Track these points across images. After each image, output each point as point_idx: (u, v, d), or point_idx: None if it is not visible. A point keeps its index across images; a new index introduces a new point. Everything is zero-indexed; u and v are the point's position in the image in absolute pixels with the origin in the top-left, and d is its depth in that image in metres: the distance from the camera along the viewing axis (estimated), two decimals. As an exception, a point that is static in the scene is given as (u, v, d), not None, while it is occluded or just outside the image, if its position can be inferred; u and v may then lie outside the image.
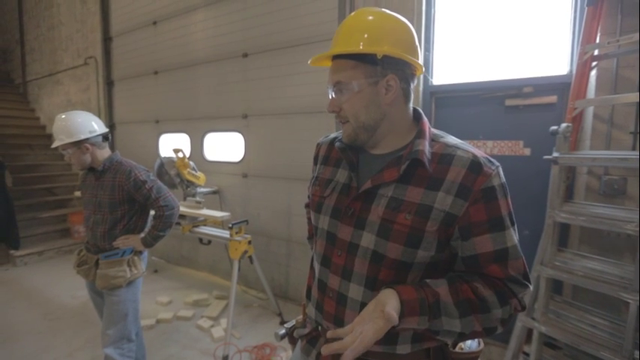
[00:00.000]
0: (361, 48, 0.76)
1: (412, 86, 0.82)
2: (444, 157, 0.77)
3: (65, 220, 5.00)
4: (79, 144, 1.74)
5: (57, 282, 3.65)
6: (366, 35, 0.77)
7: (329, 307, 0.84)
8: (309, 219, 1.09)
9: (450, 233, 0.75)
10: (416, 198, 0.75)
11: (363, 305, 0.78)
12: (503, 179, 0.76)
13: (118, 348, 1.76)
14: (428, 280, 0.75)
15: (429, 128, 0.84)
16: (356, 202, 0.81)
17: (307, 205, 1.10)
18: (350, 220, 0.81)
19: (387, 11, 0.81)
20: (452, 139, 0.82)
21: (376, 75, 0.77)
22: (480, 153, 0.77)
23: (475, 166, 0.74)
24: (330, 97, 0.83)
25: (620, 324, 1.70)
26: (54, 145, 1.76)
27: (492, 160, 0.77)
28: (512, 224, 0.75)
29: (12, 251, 4.21)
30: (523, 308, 0.76)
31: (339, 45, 0.80)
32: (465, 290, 0.72)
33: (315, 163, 1.01)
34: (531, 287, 0.77)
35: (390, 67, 0.77)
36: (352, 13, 0.83)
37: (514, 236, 0.74)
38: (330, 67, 0.84)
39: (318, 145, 1.02)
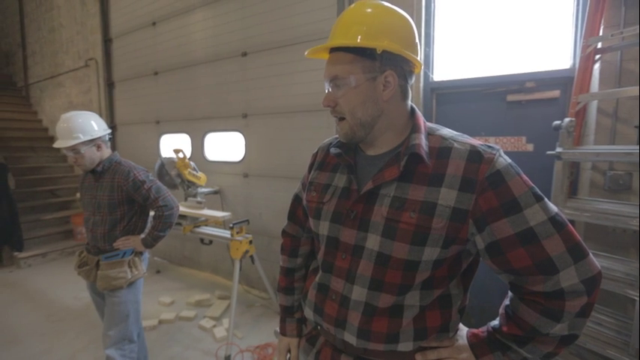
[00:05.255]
0: (359, 41, 0.73)
1: (410, 83, 0.80)
2: (442, 151, 0.74)
3: (68, 221, 5.02)
4: (94, 141, 1.75)
5: (60, 283, 3.67)
6: (365, 28, 0.74)
7: (330, 310, 0.82)
8: (291, 212, 1.06)
9: (464, 230, 0.71)
10: (419, 196, 0.72)
11: (366, 305, 0.77)
12: (508, 159, 0.71)
13: (120, 349, 1.76)
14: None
15: (424, 122, 0.82)
16: (358, 204, 0.79)
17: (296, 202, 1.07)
18: (353, 222, 0.79)
19: (388, 4, 0.78)
20: (447, 132, 0.80)
21: (374, 70, 0.75)
22: (477, 142, 0.74)
23: (474, 155, 0.71)
24: (327, 91, 0.80)
25: (627, 321, 1.67)
26: (70, 144, 1.68)
27: (492, 145, 0.73)
28: (537, 201, 0.67)
29: (16, 253, 4.23)
30: (590, 296, 0.67)
31: (336, 37, 0.77)
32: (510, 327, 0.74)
33: (309, 171, 0.98)
34: (589, 257, 0.67)
35: (388, 63, 0.75)
36: (351, 5, 0.80)
37: (540, 212, 0.67)
38: (327, 60, 0.80)
39: (315, 153, 0.99)
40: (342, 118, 0.79)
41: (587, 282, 0.66)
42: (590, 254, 0.68)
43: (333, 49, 0.78)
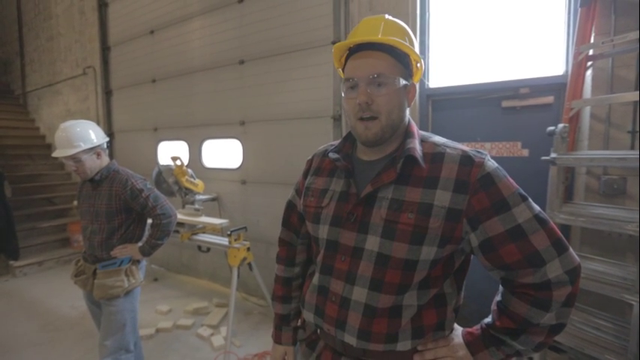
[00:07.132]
0: (412, 48, 0.78)
1: None
2: (436, 156, 0.79)
3: (65, 229, 4.99)
4: (94, 149, 1.75)
5: (56, 292, 3.63)
6: (406, 38, 0.80)
7: (331, 311, 0.83)
8: (285, 219, 1.06)
9: (459, 229, 0.74)
10: (415, 198, 0.75)
11: (366, 307, 0.78)
12: (495, 163, 0.77)
13: (116, 359, 1.74)
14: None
15: (417, 130, 0.86)
16: (358, 207, 0.81)
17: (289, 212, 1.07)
18: (353, 225, 0.81)
19: None
20: (438, 139, 0.84)
21: (407, 78, 0.80)
22: (466, 148, 0.79)
23: (466, 159, 0.75)
24: (361, 88, 0.77)
25: (625, 326, 1.67)
26: (70, 153, 1.68)
27: (480, 150, 0.78)
28: (523, 200, 0.73)
29: (11, 262, 4.19)
30: (573, 286, 0.72)
31: (385, 34, 0.77)
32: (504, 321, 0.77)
33: (305, 177, 0.99)
34: (570, 250, 0.72)
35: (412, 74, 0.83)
36: (378, 16, 0.82)
37: (526, 210, 0.72)
38: (360, 56, 0.78)
39: (310, 160, 1.00)
40: (372, 118, 0.77)
41: (570, 272, 0.72)
42: (570, 248, 0.74)
43: (365, 48, 0.77)
